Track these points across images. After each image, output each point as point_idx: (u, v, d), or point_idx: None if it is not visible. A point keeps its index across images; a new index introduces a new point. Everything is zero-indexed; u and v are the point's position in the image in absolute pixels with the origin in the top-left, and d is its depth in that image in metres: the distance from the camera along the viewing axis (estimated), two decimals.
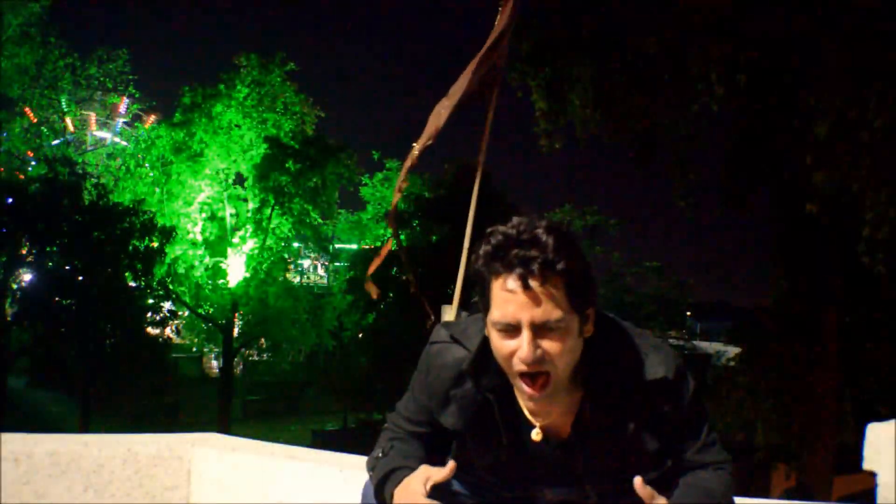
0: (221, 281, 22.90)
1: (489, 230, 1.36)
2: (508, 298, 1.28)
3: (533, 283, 1.26)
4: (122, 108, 26.49)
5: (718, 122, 11.14)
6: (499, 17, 3.16)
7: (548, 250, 1.27)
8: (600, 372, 1.38)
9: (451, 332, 1.50)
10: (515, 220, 1.34)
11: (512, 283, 1.28)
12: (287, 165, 22.19)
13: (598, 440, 1.40)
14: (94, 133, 26.69)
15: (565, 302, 1.28)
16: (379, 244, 24.15)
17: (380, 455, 1.54)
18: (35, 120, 24.17)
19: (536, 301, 1.27)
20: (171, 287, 21.29)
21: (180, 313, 22.78)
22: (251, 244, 23.15)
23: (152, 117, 24.39)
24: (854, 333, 11.89)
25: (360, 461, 2.51)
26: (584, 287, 1.32)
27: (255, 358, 29.57)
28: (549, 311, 1.27)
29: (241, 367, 30.27)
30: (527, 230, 1.30)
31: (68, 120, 25.39)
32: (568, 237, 1.32)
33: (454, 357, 1.46)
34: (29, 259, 18.51)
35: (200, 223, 22.91)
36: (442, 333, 1.51)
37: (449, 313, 2.94)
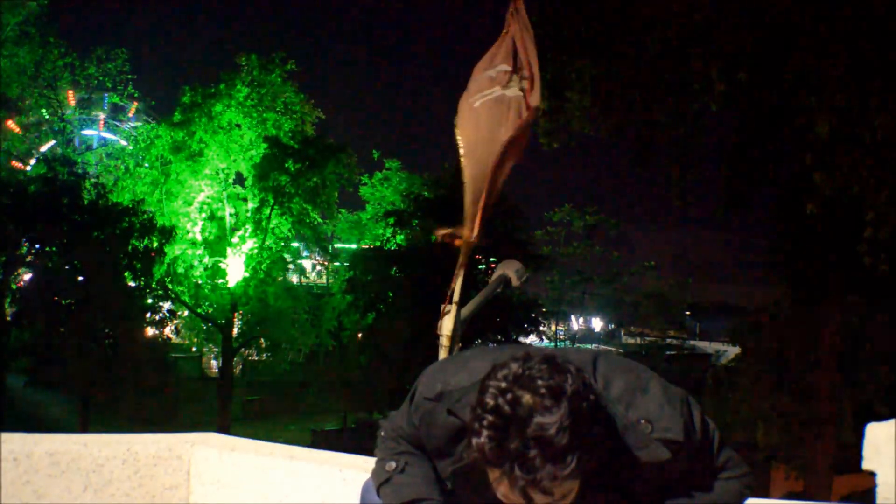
0: (221, 281, 22.92)
1: (484, 393, 1.15)
2: (510, 498, 1.16)
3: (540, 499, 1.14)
4: (131, 114, 26.43)
5: (719, 121, 11.18)
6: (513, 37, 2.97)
7: (560, 461, 1.11)
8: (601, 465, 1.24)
9: (446, 404, 1.35)
10: (516, 382, 1.13)
11: (516, 495, 1.14)
12: (287, 165, 22.22)
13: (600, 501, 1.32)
14: (102, 134, 26.61)
15: (575, 482, 1.14)
16: (378, 243, 24.29)
17: (394, 469, 1.47)
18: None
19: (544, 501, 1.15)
20: (170, 287, 21.30)
21: (179, 313, 22.80)
22: (250, 244, 23.17)
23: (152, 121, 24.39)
24: (854, 333, 11.89)
25: (360, 461, 2.51)
26: (596, 453, 1.16)
27: (255, 358, 29.58)
28: (558, 501, 1.15)
29: (241, 366, 30.26)
30: (531, 421, 1.10)
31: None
32: (585, 418, 1.12)
33: (450, 423, 1.35)
34: (29, 259, 18.50)
35: (200, 223, 22.93)
36: (435, 395, 1.38)
37: (449, 312, 2.94)
